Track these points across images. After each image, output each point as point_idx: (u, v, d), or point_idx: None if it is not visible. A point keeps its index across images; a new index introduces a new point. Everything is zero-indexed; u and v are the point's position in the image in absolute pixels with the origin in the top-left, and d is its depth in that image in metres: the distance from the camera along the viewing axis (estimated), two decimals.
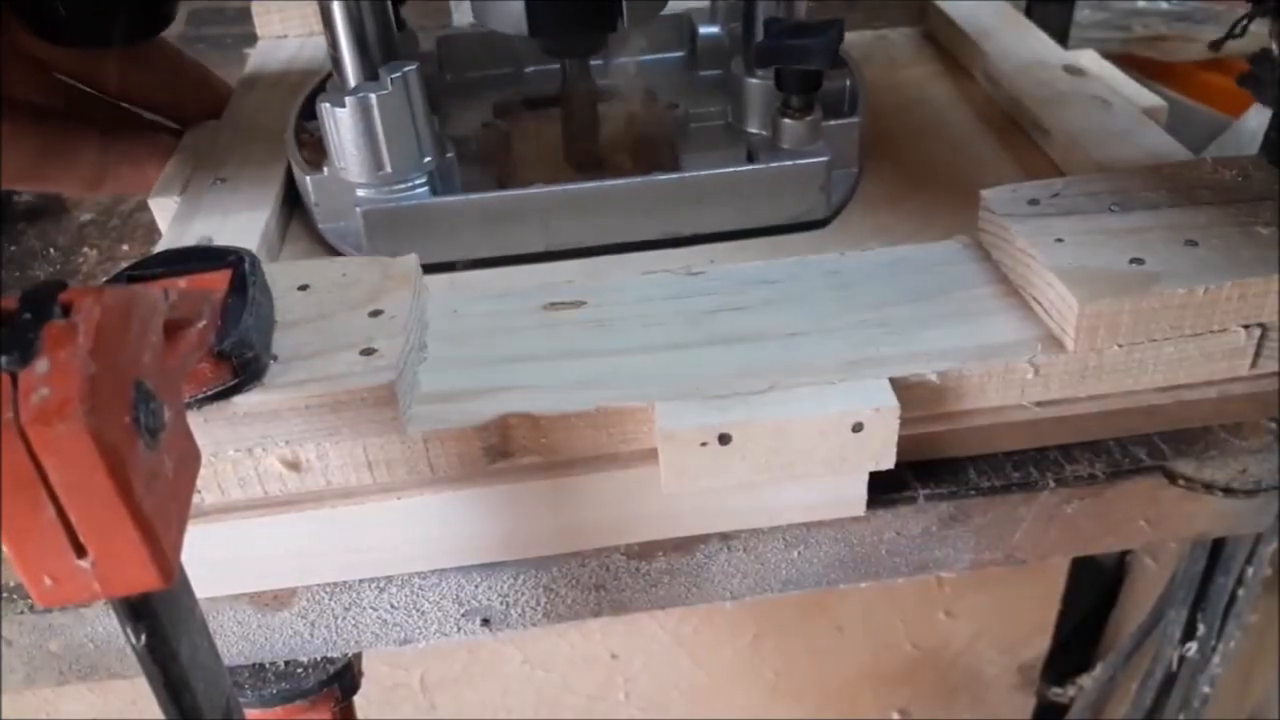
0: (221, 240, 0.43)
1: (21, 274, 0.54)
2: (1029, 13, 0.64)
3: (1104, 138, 0.48)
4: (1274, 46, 0.45)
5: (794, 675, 0.83)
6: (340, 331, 0.35)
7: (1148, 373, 0.37)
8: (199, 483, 0.33)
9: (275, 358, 0.33)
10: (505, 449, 0.35)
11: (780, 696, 0.84)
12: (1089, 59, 0.56)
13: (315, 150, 0.48)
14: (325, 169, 0.46)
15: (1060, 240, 0.38)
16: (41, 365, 0.20)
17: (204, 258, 0.33)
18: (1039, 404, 0.37)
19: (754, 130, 0.51)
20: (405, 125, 0.44)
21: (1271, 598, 0.69)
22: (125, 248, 0.55)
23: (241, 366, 0.31)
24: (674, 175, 0.45)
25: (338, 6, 0.43)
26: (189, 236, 0.44)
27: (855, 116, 0.49)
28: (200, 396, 0.31)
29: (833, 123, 0.48)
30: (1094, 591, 0.83)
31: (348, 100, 0.42)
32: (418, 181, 0.45)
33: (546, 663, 0.77)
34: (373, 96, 0.42)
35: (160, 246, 0.43)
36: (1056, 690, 0.84)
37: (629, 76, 0.56)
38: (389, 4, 0.45)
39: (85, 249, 0.55)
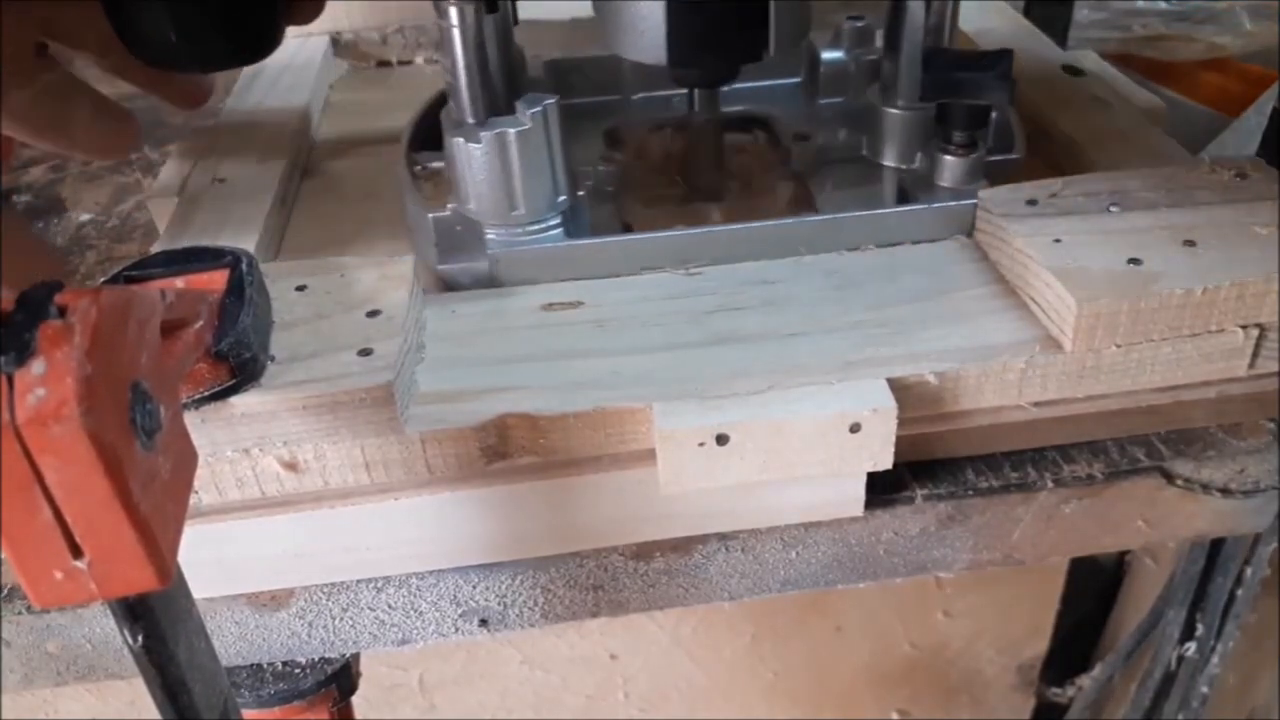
0: (220, 240, 0.43)
1: None
2: (1028, 13, 0.64)
3: (1103, 138, 0.48)
4: None
5: (793, 675, 0.83)
6: (338, 332, 0.35)
7: (1146, 373, 0.37)
8: (196, 483, 0.33)
9: (273, 358, 0.33)
10: (503, 449, 0.35)
11: (779, 696, 0.84)
12: (1088, 59, 0.56)
13: (433, 184, 0.45)
14: (449, 207, 0.42)
15: (1058, 240, 0.38)
16: (37, 366, 0.20)
17: (201, 258, 0.33)
18: (1037, 404, 0.37)
19: (890, 164, 0.48)
20: (542, 163, 0.41)
21: (1270, 598, 0.69)
22: (123, 248, 0.55)
23: (239, 367, 0.31)
24: (821, 217, 0.42)
25: (457, 32, 0.40)
26: (187, 237, 0.44)
27: (1015, 153, 0.46)
28: (198, 397, 0.31)
29: (995, 158, 0.45)
30: (1093, 592, 0.83)
31: (483, 136, 0.39)
32: (551, 223, 0.42)
33: (545, 663, 0.77)
34: (511, 133, 0.39)
35: (158, 247, 0.43)
36: (1055, 690, 0.84)
37: (750, 104, 0.53)
38: (512, 29, 0.43)
39: (84, 250, 0.55)
